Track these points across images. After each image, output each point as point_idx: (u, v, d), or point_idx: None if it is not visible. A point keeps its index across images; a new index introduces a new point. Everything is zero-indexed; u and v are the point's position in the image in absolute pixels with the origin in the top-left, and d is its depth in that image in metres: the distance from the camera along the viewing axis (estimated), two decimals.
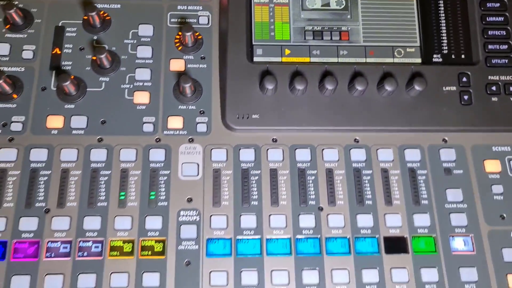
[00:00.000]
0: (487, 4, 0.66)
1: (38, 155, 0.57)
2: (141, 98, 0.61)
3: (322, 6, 0.65)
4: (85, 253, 0.54)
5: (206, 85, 0.62)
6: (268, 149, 0.60)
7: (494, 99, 0.63)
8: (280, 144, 0.60)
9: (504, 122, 0.62)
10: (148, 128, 0.60)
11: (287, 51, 0.63)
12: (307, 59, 0.63)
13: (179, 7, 0.66)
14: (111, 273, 0.53)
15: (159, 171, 0.58)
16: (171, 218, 0.56)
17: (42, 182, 0.56)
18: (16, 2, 0.63)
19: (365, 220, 0.57)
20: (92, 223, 0.55)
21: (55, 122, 0.59)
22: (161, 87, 0.62)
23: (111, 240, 0.55)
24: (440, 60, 0.64)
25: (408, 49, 0.65)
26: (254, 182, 0.58)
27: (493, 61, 0.64)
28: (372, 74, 0.62)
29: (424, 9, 0.66)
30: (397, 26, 0.65)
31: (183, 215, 0.56)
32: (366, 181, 0.59)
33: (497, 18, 0.65)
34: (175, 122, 0.60)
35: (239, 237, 0.56)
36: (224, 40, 0.63)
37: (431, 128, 0.62)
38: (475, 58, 0.64)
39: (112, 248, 0.54)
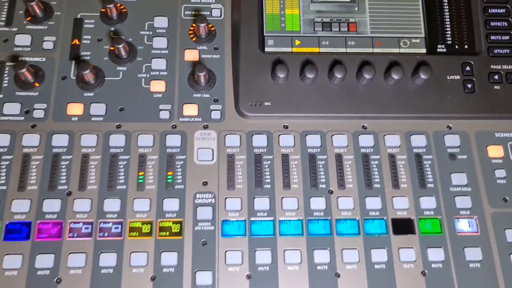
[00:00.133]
0: None
1: (60, 140, 0.60)
2: (158, 86, 0.63)
3: None
4: (106, 234, 0.56)
5: (219, 74, 0.65)
6: (279, 135, 0.62)
7: (497, 87, 0.65)
8: (291, 130, 0.63)
9: (506, 109, 0.64)
10: (164, 115, 0.62)
11: (297, 42, 0.66)
12: (316, 50, 0.66)
13: (192, 0, 0.68)
14: (131, 252, 0.55)
15: (176, 156, 0.60)
16: (188, 201, 0.58)
17: (63, 166, 0.59)
18: None
19: (373, 203, 0.60)
20: (112, 205, 0.57)
21: (75, 109, 0.61)
22: (176, 76, 0.64)
23: (130, 222, 0.57)
24: (444, 50, 0.67)
25: (413, 40, 0.67)
26: (266, 166, 0.61)
27: (495, 51, 0.66)
28: (379, 64, 0.64)
29: (429, 1, 0.68)
30: (402, 18, 0.68)
31: (199, 198, 0.59)
32: (374, 166, 0.61)
33: (499, 10, 0.68)
34: (190, 110, 0.63)
35: (252, 218, 0.58)
36: (237, 32, 0.66)
37: (436, 115, 0.64)
38: (478, 48, 0.67)
39: (132, 229, 0.57)
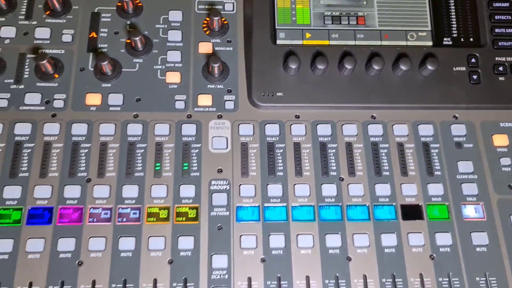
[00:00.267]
0: None
1: (79, 129, 0.62)
2: (173, 78, 0.65)
3: None
4: (124, 219, 0.58)
5: (232, 66, 0.67)
6: (291, 125, 0.64)
7: (501, 78, 0.67)
8: (303, 120, 0.65)
9: (510, 99, 0.66)
10: (180, 105, 0.64)
11: (308, 35, 0.68)
12: (326, 42, 0.68)
13: None
14: (149, 236, 0.57)
15: (191, 144, 0.62)
16: (203, 187, 0.60)
17: (83, 154, 0.60)
18: None
19: (382, 189, 0.61)
20: (130, 191, 0.59)
21: (93, 99, 0.63)
22: (191, 68, 0.66)
23: (148, 207, 0.59)
24: (450, 43, 0.69)
25: (420, 33, 0.69)
26: (279, 154, 0.62)
27: (500, 43, 0.68)
28: (387, 56, 0.66)
29: None
30: (409, 11, 0.70)
31: (214, 184, 0.60)
32: (383, 154, 0.63)
33: (503, 3, 0.70)
34: (204, 100, 0.65)
35: (266, 204, 0.60)
36: (249, 25, 0.68)
37: (442, 106, 0.66)
38: (483, 40, 0.69)
39: (149, 215, 0.58)
